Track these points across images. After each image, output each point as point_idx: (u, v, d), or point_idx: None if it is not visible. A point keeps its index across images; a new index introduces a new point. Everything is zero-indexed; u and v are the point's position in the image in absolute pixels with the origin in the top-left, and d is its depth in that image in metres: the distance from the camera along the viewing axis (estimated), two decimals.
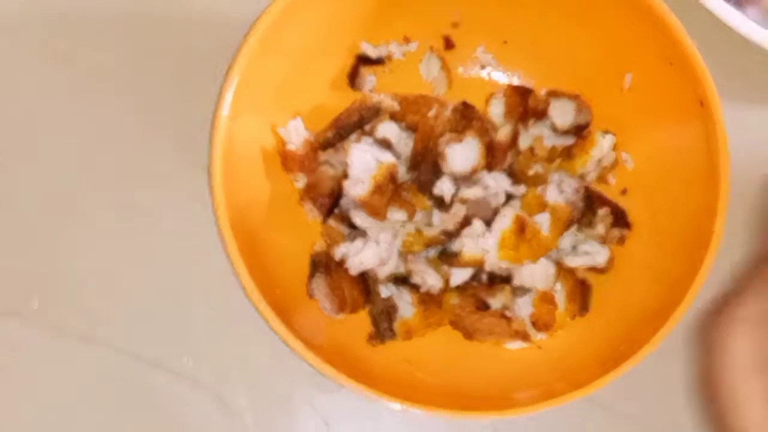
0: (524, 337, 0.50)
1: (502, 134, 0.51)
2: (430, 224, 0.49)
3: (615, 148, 0.51)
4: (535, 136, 0.52)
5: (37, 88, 0.52)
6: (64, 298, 0.50)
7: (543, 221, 0.48)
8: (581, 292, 0.50)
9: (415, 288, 0.49)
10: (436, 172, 0.49)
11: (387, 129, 0.50)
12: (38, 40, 0.52)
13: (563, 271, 0.50)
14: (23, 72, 0.52)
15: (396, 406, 0.43)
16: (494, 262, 0.48)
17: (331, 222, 0.50)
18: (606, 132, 0.51)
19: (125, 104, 0.52)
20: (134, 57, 0.52)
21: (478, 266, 0.49)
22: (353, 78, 0.51)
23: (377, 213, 0.49)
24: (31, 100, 0.52)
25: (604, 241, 0.51)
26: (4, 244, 0.51)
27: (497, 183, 0.49)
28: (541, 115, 0.51)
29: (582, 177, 0.51)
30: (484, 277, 0.50)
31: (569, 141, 0.51)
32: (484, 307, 0.50)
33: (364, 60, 0.51)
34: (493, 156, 0.50)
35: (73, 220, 0.51)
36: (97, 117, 0.52)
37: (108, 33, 0.52)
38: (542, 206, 0.49)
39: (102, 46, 0.52)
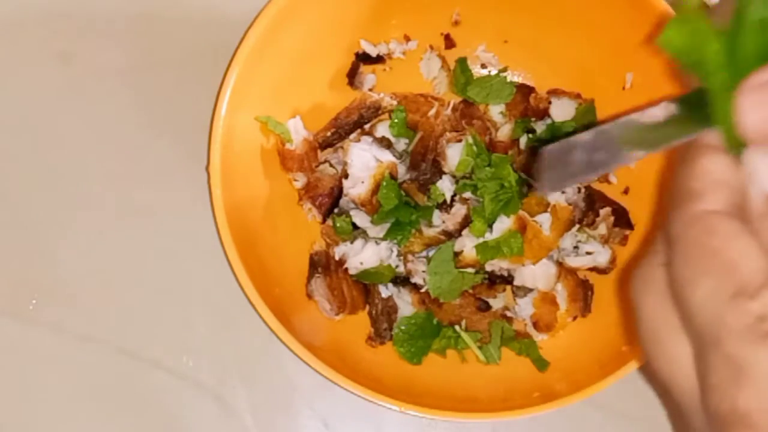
0: (525, 337, 0.50)
1: (503, 133, 0.51)
2: (430, 224, 0.48)
3: None
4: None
5: (37, 88, 0.52)
6: (64, 298, 0.50)
7: (544, 221, 0.48)
8: (583, 292, 0.50)
9: (415, 288, 0.49)
10: (436, 171, 0.49)
11: (387, 128, 0.50)
12: (38, 40, 0.52)
13: (564, 272, 0.50)
14: (23, 72, 0.52)
15: (395, 407, 0.43)
16: (495, 262, 0.48)
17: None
18: None
19: (125, 104, 0.52)
20: (134, 57, 0.52)
21: (479, 266, 0.48)
22: (352, 77, 0.51)
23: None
24: (31, 100, 0.52)
25: (605, 241, 0.50)
26: (3, 244, 0.51)
27: None
28: (542, 113, 0.51)
29: None
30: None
31: None
32: (485, 307, 0.50)
33: (363, 58, 0.50)
34: None
35: (73, 219, 0.51)
36: (97, 117, 0.52)
37: (108, 33, 0.52)
38: (543, 206, 0.48)
39: (102, 46, 0.52)
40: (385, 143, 0.49)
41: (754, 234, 0.26)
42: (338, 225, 0.49)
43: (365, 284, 0.49)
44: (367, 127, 0.50)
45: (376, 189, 0.48)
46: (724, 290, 0.24)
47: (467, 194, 0.48)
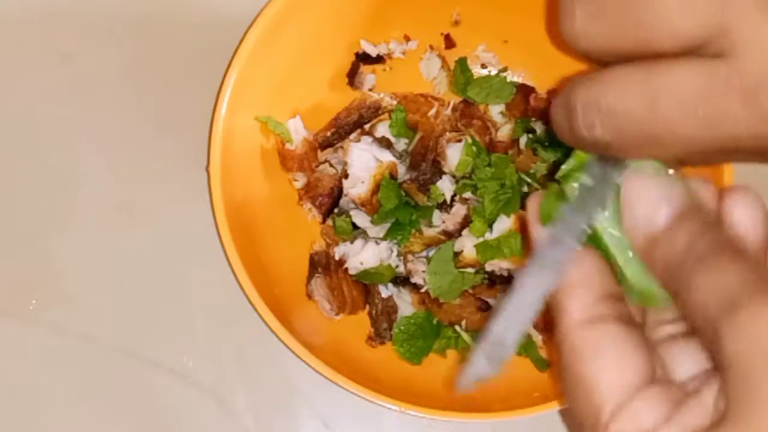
0: (525, 337, 0.50)
1: (503, 133, 0.51)
2: (430, 224, 0.48)
3: None
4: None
5: (37, 88, 0.52)
6: (64, 298, 0.50)
7: None
8: None
9: (415, 288, 0.49)
10: (436, 171, 0.49)
11: (387, 128, 0.50)
12: (38, 40, 0.52)
13: None
14: (23, 72, 0.52)
15: (395, 407, 0.43)
16: (495, 262, 0.48)
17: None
18: None
19: (125, 104, 0.52)
20: (134, 57, 0.52)
21: (479, 266, 0.48)
22: (352, 77, 0.51)
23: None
24: (31, 100, 0.52)
25: None
26: (3, 244, 0.51)
27: None
28: (542, 114, 0.51)
29: None
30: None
31: None
32: (485, 307, 0.50)
33: (363, 58, 0.50)
34: None
35: (73, 220, 0.51)
36: (97, 117, 0.52)
37: (108, 33, 0.52)
38: None
39: (102, 45, 0.52)
40: (385, 143, 0.49)
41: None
42: (338, 225, 0.49)
43: (365, 284, 0.50)
44: (367, 127, 0.50)
45: (376, 189, 0.48)
46: (590, 418, 0.26)
47: (467, 194, 0.48)
